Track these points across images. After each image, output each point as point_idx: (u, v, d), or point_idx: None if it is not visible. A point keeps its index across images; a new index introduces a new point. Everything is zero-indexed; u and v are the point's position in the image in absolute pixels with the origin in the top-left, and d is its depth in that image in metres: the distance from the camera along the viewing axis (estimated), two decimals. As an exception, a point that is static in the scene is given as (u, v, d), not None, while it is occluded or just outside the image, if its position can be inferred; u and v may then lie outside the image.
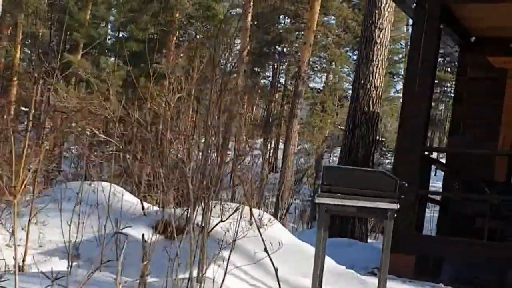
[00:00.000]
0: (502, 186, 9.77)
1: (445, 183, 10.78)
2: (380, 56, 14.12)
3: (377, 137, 15.31)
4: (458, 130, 10.79)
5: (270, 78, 42.21)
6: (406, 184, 5.69)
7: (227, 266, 5.30)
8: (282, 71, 40.74)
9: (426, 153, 10.14)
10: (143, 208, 7.80)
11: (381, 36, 14.02)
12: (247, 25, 28.07)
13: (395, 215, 5.73)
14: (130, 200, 7.88)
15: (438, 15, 8.79)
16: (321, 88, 37.95)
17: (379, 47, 14.03)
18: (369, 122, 14.17)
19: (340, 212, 6.49)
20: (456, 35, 10.20)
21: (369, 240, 14.91)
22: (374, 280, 6.49)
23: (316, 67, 38.37)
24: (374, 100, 14.24)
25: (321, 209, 5.69)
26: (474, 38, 9.38)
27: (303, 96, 25.66)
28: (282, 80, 41.36)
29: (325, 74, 36.31)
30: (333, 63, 33.81)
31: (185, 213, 6.59)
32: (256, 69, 41.28)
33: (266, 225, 6.47)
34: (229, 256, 5.33)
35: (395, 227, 8.64)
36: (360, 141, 14.22)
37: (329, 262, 6.59)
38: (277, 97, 42.98)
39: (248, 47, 29.29)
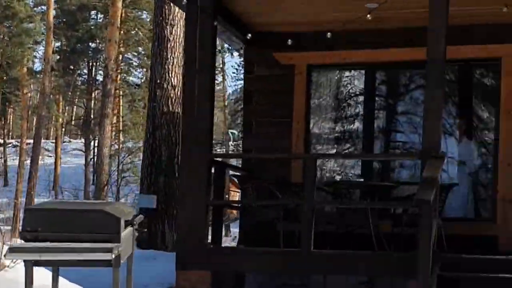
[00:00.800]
0: (298, 187, 9.32)
1: (241, 187, 10.24)
2: (174, 53, 13.51)
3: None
4: (251, 130, 10.30)
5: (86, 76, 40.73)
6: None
7: None
8: (100, 67, 39.31)
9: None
10: None
11: (173, 32, 13.39)
12: (50, 23, 26.54)
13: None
14: None
15: (212, 11, 8.11)
16: (139, 84, 37.04)
17: (172, 45, 13.41)
18: (170, 123, 13.63)
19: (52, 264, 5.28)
20: (238, 32, 9.63)
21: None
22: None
23: (133, 62, 37.40)
24: (173, 100, 13.66)
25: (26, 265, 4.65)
26: (250, 35, 8.86)
27: (113, 95, 24.67)
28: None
29: (143, 70, 35.34)
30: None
31: None
32: (71, 67, 39.66)
33: (8, 266, 5.49)
34: None
35: (183, 244, 8.16)
36: (162, 143, 13.72)
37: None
38: (96, 94, 41.60)
39: (54, 45, 27.88)
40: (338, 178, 10.29)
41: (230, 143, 30.99)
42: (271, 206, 8.77)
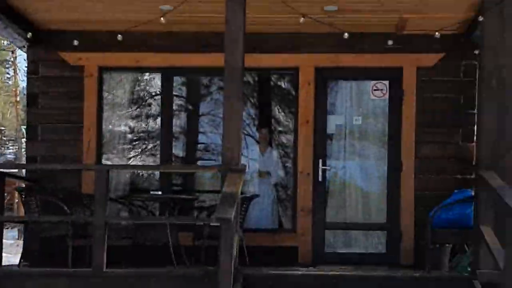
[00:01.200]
0: (90, 198, 8.59)
1: (24, 200, 9.28)
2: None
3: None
4: (36, 135, 9.41)
5: None
6: None
7: None
8: None
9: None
10: None
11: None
12: None
13: None
14: None
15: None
16: None
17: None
18: None
19: None
20: (21, 29, 8.71)
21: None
22: None
23: None
24: None
25: None
26: (30, 33, 8.05)
27: None
28: None
29: None
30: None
31: None
32: None
33: None
34: None
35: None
36: None
37: None
38: None
39: None
40: (140, 183, 9.80)
41: (24, 140, 29.32)
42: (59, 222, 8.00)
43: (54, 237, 8.19)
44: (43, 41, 9.14)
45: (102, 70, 9.38)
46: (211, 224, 7.78)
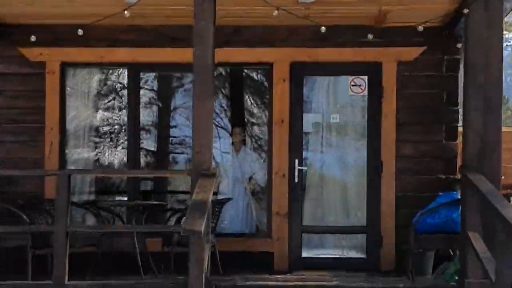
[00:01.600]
0: (52, 203, 8.09)
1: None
2: None
3: None
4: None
5: None
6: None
7: None
8: None
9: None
10: None
11: None
12: None
13: None
14: None
15: None
16: None
17: None
18: None
19: None
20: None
21: None
22: None
23: None
24: None
25: None
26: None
27: None
28: None
29: None
30: None
31: None
32: None
33: None
34: None
35: None
36: None
37: None
38: None
39: None
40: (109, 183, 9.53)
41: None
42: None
43: (12, 247, 7.73)
44: (1, 36, 8.61)
45: (65, 66, 8.86)
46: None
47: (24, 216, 7.48)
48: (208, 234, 6.55)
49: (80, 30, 7.16)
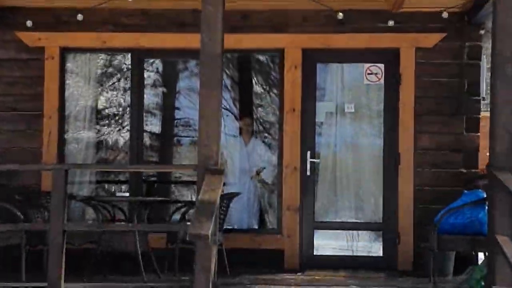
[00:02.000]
0: (49, 197, 7.74)
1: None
2: None
3: None
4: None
5: None
6: None
7: None
8: None
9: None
10: None
11: None
12: None
13: None
14: None
15: None
16: None
17: None
18: None
19: None
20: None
21: None
22: None
23: None
24: None
25: None
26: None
27: None
28: None
29: None
30: None
31: None
32: None
33: None
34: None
35: None
36: None
37: None
38: None
39: None
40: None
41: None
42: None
43: (6, 245, 7.34)
44: (-2, 21, 8.27)
45: (64, 51, 8.50)
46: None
47: (19, 213, 7.08)
48: (216, 234, 6.14)
49: (79, 15, 6.76)
